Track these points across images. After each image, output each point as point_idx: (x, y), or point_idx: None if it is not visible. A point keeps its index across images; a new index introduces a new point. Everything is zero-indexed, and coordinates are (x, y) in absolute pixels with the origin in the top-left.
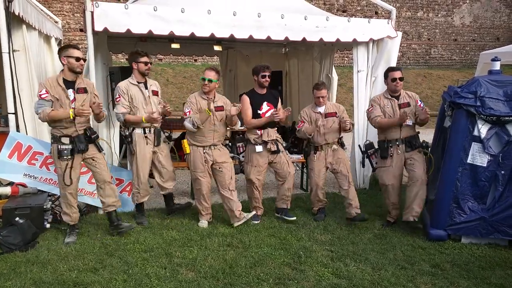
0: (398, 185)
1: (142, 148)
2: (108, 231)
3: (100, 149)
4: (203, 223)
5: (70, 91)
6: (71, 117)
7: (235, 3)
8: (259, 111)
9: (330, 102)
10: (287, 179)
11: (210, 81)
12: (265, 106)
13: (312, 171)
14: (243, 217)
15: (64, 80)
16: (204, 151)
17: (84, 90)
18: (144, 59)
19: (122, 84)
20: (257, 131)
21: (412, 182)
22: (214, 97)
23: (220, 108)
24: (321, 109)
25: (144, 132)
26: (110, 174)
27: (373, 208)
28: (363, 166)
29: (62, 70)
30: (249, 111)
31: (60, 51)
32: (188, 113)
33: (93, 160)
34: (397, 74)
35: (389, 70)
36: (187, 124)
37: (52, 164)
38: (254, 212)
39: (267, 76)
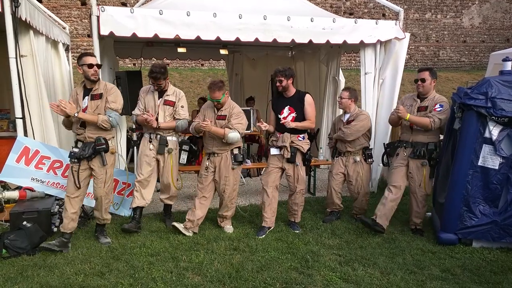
0: (398, 188)
1: (143, 149)
2: (116, 236)
3: (104, 162)
4: (178, 224)
5: (86, 99)
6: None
7: (240, 6)
8: (279, 116)
9: (360, 109)
10: (294, 194)
11: (218, 102)
12: (286, 111)
13: (330, 174)
14: (222, 225)
15: (85, 88)
16: (208, 157)
17: (100, 96)
18: (151, 80)
19: (143, 88)
20: (277, 134)
21: (410, 194)
22: (222, 106)
23: (221, 117)
24: (346, 117)
25: (150, 138)
26: (106, 191)
27: None
28: (383, 164)
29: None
30: (271, 115)
31: (77, 61)
32: (196, 118)
33: (93, 174)
34: (419, 75)
35: (417, 70)
36: (191, 127)
37: (59, 168)
38: (230, 231)
39: (277, 82)
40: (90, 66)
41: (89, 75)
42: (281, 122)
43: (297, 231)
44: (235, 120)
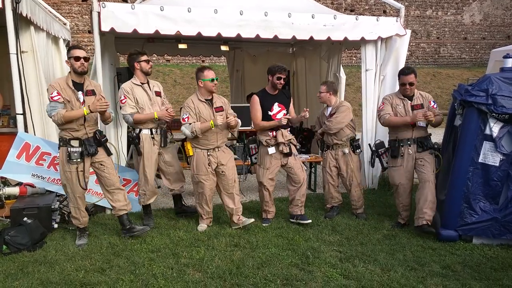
0: (409, 185)
1: (149, 149)
2: (117, 232)
3: (109, 153)
4: (202, 226)
5: (80, 93)
6: (86, 114)
7: (241, 2)
8: (269, 112)
9: (341, 101)
10: (302, 185)
11: (216, 79)
12: (276, 107)
13: (324, 169)
14: (241, 223)
15: (73, 82)
16: (208, 153)
17: (92, 92)
18: (144, 57)
19: (126, 85)
20: (269, 133)
21: (421, 185)
22: (213, 97)
23: (220, 109)
24: (328, 110)
25: (151, 133)
26: (118, 177)
27: (382, 208)
28: (372, 166)
29: (70, 72)
30: (258, 112)
31: (67, 54)
32: (186, 119)
33: (102, 165)
34: (407, 79)
35: (400, 73)
36: (186, 131)
37: (59, 165)
38: (252, 220)
39: (282, 79)
40: (77, 58)
41: (76, 68)
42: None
43: (309, 221)
44: (231, 110)
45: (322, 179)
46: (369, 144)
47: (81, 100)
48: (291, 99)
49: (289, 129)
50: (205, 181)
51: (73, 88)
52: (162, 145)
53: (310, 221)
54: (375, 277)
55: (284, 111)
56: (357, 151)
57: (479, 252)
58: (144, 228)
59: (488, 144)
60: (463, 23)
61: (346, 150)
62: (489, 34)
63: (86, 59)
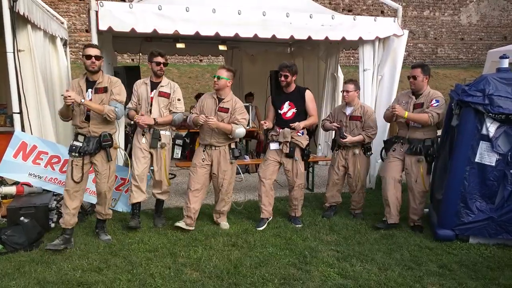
0: (393, 180)
1: (136, 143)
2: (114, 231)
3: (109, 158)
4: (180, 223)
5: (89, 92)
6: (67, 105)
7: (240, 2)
8: (279, 111)
9: (363, 104)
10: (294, 188)
11: (218, 77)
12: (286, 106)
13: (331, 167)
14: (217, 221)
15: (88, 80)
16: (204, 150)
17: (104, 90)
18: (157, 59)
19: (137, 81)
20: (277, 129)
21: (408, 191)
22: (225, 97)
23: (224, 110)
24: (348, 110)
25: (143, 131)
26: (109, 186)
27: (379, 208)
28: (382, 159)
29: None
30: (270, 112)
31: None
32: (194, 109)
33: (96, 169)
34: (411, 72)
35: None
36: (189, 119)
37: (56, 164)
38: (226, 228)
39: (282, 76)
40: (88, 57)
41: (87, 66)
42: (294, 130)
43: (298, 225)
44: (240, 115)
45: (328, 177)
46: (383, 140)
47: (87, 98)
48: (305, 98)
49: (302, 130)
50: (191, 173)
51: (82, 87)
52: (152, 146)
53: (300, 225)
54: (372, 276)
55: (293, 110)
56: (368, 153)
57: (476, 251)
58: (109, 239)
59: (484, 144)
60: (460, 24)
61: (357, 151)
62: (486, 34)
63: (98, 57)
